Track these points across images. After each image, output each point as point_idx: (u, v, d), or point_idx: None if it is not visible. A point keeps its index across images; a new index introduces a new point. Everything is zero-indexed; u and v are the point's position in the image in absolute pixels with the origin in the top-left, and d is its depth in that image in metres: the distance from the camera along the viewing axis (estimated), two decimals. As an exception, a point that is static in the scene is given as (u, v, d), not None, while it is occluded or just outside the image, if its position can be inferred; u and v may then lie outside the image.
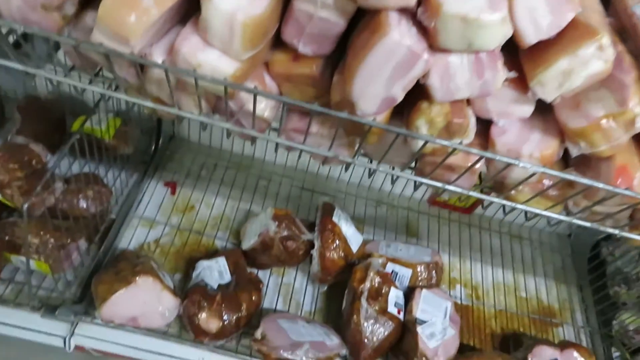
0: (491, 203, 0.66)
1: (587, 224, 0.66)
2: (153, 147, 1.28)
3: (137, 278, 0.93)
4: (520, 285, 1.32)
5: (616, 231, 0.65)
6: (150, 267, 0.98)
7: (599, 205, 0.62)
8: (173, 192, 1.27)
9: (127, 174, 1.22)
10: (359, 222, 1.31)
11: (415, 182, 0.67)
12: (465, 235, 1.38)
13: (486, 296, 1.28)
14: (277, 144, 0.64)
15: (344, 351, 1.02)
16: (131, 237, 1.16)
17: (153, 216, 1.20)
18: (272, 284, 1.16)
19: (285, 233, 1.07)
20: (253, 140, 0.64)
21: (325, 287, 1.19)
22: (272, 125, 0.64)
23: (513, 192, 0.64)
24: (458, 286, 1.28)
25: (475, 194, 0.65)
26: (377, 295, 1.04)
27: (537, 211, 0.65)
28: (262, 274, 1.17)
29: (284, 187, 1.34)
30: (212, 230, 1.22)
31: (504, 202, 0.65)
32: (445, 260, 1.31)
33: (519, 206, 0.65)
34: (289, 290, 1.17)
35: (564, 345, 1.09)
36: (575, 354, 1.07)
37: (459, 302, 1.25)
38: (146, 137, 1.28)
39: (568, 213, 0.67)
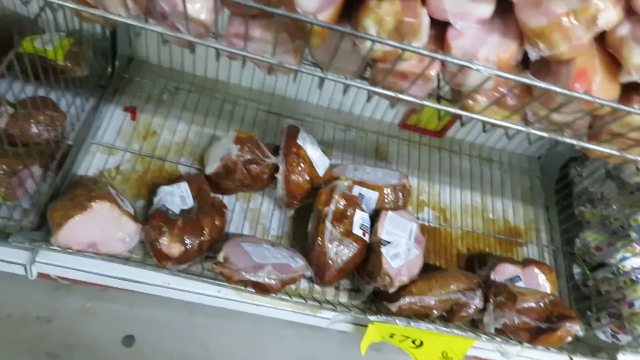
0: (462, 124, 0.64)
1: (545, 134, 0.64)
2: (110, 70, 1.21)
3: (93, 203, 0.91)
4: (487, 207, 1.33)
5: (574, 141, 0.64)
6: (107, 193, 0.95)
7: (557, 114, 0.60)
8: (133, 118, 1.22)
9: (83, 98, 1.16)
10: (327, 147, 1.29)
11: (390, 103, 0.64)
12: (435, 159, 1.37)
13: (454, 218, 1.29)
14: (217, 52, 0.60)
15: (308, 272, 1.02)
16: (90, 164, 1.12)
17: (112, 142, 1.16)
18: (238, 210, 1.15)
19: (248, 157, 1.05)
20: (192, 48, 0.59)
21: (292, 212, 1.18)
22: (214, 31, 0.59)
23: (470, 102, 0.62)
24: (426, 209, 1.29)
25: (430, 104, 0.62)
26: (342, 217, 1.04)
27: (494, 121, 0.63)
28: (228, 200, 1.15)
29: (250, 111, 1.30)
30: (175, 156, 1.18)
31: (460, 112, 0.62)
32: (414, 183, 1.31)
33: (476, 116, 0.62)
34: (255, 215, 1.15)
35: (525, 263, 1.11)
36: (536, 270, 1.09)
37: (426, 224, 1.26)
38: (102, 59, 1.21)
39: (526, 123, 0.65)
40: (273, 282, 0.91)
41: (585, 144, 0.64)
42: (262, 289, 0.92)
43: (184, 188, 1.04)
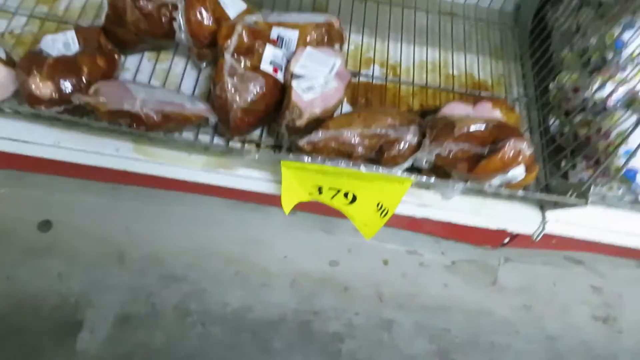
0: None
1: None
2: None
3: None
4: (448, 63, 1.15)
5: None
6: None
7: None
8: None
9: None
10: (253, 5, 1.13)
11: None
12: (384, 15, 1.20)
13: (405, 74, 1.11)
14: None
15: (211, 117, 0.88)
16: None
17: (7, 6, 1.04)
18: (145, 71, 1.02)
19: (136, -9, 0.90)
20: None
21: (208, 70, 1.03)
22: None
23: None
24: (372, 66, 1.11)
25: None
26: (248, 52, 0.89)
27: None
28: (133, 60, 1.02)
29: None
30: (77, 16, 1.05)
31: None
32: (358, 40, 1.14)
33: None
34: (165, 74, 1.02)
35: (477, 99, 0.93)
36: (490, 106, 0.91)
37: (371, 81, 1.09)
38: None
39: None
40: (151, 112, 0.77)
41: None
42: (139, 122, 0.78)
43: (70, 35, 0.91)
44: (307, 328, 1.06)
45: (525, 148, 0.76)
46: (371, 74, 1.09)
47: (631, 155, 0.82)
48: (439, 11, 1.22)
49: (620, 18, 0.89)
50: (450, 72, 1.13)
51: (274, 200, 0.93)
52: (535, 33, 1.17)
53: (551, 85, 1.04)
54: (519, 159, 0.76)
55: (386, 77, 1.09)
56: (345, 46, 1.10)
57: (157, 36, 0.96)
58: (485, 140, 0.80)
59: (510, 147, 0.75)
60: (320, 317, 1.07)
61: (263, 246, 1.13)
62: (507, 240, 1.12)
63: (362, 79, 1.08)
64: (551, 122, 1.05)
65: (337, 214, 1.00)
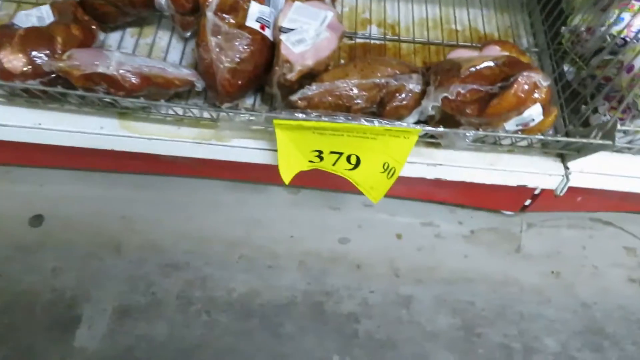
0: None
1: None
2: None
3: None
4: (450, 18, 1.08)
5: None
6: None
7: None
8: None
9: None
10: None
11: None
12: (378, -26, 1.13)
13: (405, 32, 1.04)
14: None
15: (197, 83, 0.82)
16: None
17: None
18: (127, 46, 0.96)
19: (110, -44, 0.85)
20: None
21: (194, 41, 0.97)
22: None
23: None
24: (369, 26, 1.05)
25: None
26: (233, 10, 0.82)
27: None
28: (115, 37, 0.97)
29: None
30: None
31: None
32: (351, 2, 1.07)
33: None
34: (149, 49, 0.96)
35: (485, 44, 0.86)
36: (497, 49, 0.84)
37: (369, 41, 1.02)
38: None
39: None
40: (128, 74, 0.71)
41: None
42: (117, 86, 0.72)
43: (44, 9, 0.86)
44: (320, 309, 0.98)
45: (541, 80, 0.68)
46: (368, 34, 1.02)
47: (660, 83, 0.73)
48: (436, -34, 1.15)
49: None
50: (454, 28, 1.06)
51: (274, 177, 0.86)
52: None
53: (563, 29, 0.97)
54: (534, 95, 0.69)
55: (385, 37, 1.02)
56: (339, 8, 1.04)
57: (136, 4, 0.90)
58: (495, 78, 0.72)
59: (524, 80, 0.68)
60: (333, 298, 1.00)
61: (267, 227, 1.06)
62: (528, 202, 1.04)
63: (359, 40, 1.01)
64: (566, 69, 0.97)
65: (343, 186, 0.93)
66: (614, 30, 0.84)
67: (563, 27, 0.97)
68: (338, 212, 1.09)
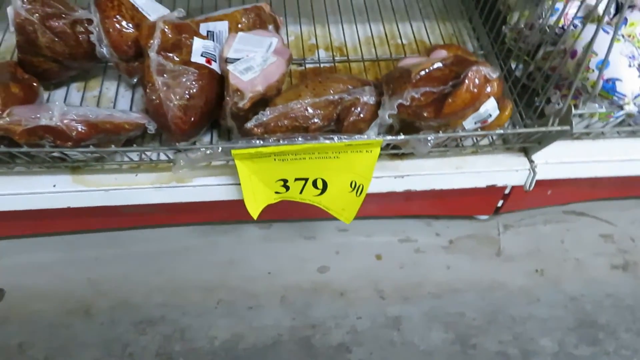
0: None
1: None
2: None
3: None
4: (394, 34, 1.09)
5: None
6: None
7: None
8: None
9: None
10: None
11: None
12: (319, 1, 1.15)
13: (353, 52, 1.05)
14: None
15: (148, 125, 0.79)
16: None
17: None
18: (74, 101, 0.94)
19: (45, 11, 0.83)
20: None
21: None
22: None
23: None
24: (317, 51, 1.05)
25: None
26: (176, 48, 0.81)
27: None
28: (60, 93, 0.94)
29: None
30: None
31: None
32: (296, 30, 1.08)
33: None
34: (96, 101, 0.94)
35: (430, 50, 0.87)
36: (444, 52, 0.84)
37: (319, 65, 1.02)
38: None
39: None
40: (73, 124, 0.68)
41: None
42: (63, 137, 0.69)
43: (-20, 73, 0.83)
44: (308, 344, 0.94)
45: (490, 72, 0.68)
46: (317, 59, 1.03)
47: (604, 63, 0.75)
48: (374, -12, 1.18)
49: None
50: (400, 42, 1.07)
51: (242, 214, 0.83)
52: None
53: (504, 28, 0.99)
54: (487, 89, 0.69)
55: (334, 59, 1.02)
56: (285, 37, 1.04)
57: (78, 57, 0.88)
58: (447, 78, 0.72)
59: (474, 75, 0.68)
60: (320, 330, 0.96)
61: (242, 267, 1.02)
62: (500, 203, 1.04)
63: (309, 65, 1.02)
64: (513, 66, 0.99)
65: (314, 214, 0.90)
66: (551, 20, 0.87)
67: (503, 27, 0.99)
68: (313, 240, 1.06)
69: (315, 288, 1.00)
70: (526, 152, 0.89)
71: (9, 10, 0.82)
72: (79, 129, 0.68)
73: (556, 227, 1.11)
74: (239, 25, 0.88)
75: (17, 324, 0.93)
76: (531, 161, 0.88)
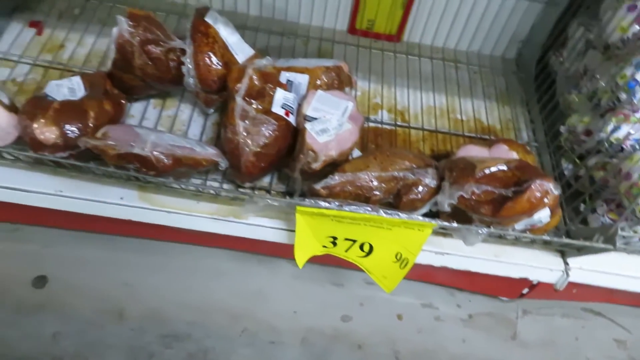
0: None
1: None
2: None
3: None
4: (455, 108, 1.14)
5: None
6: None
7: None
8: (39, 33, 1.09)
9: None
10: (259, 53, 1.12)
11: None
12: (389, 63, 1.20)
13: (414, 119, 1.10)
14: None
15: (221, 162, 0.84)
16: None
17: (11, 55, 1.03)
18: (151, 117, 0.99)
19: (146, 36, 0.89)
20: None
21: (216, 117, 1.01)
22: None
23: None
24: (380, 111, 1.10)
25: None
26: (259, 95, 0.87)
27: None
28: (139, 107, 1.00)
29: (171, 21, 1.16)
30: (81, 64, 1.04)
31: None
32: (364, 86, 1.13)
33: None
34: (171, 121, 0.99)
35: (493, 142, 0.91)
36: (506, 148, 0.89)
37: (380, 126, 1.07)
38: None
39: None
40: (161, 156, 0.74)
41: None
42: (148, 165, 0.74)
43: (75, 80, 0.89)
44: (320, 389, 0.98)
45: (552, 188, 0.73)
46: (380, 119, 1.08)
47: (658, 195, 0.79)
48: (442, 58, 1.23)
49: (631, 59, 0.89)
50: (459, 117, 1.12)
51: (280, 251, 0.88)
52: (540, 78, 1.17)
53: (562, 129, 1.03)
54: (545, 200, 0.73)
55: (395, 123, 1.07)
56: (353, 92, 1.09)
57: (164, 81, 0.94)
58: (508, 181, 0.77)
59: (537, 187, 0.72)
60: (333, 377, 1.00)
61: (270, 301, 1.07)
62: (526, 290, 1.07)
63: (371, 124, 1.07)
64: (564, 166, 1.03)
65: (346, 264, 0.95)
66: (612, 137, 0.91)
67: (562, 126, 1.04)
68: (341, 288, 1.11)
69: (336, 335, 1.05)
70: (563, 253, 0.93)
71: (114, 31, 0.88)
72: (165, 162, 0.74)
73: (573, 322, 1.14)
74: (318, 82, 0.93)
75: (53, 314, 0.98)
76: (566, 263, 0.92)
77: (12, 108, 0.84)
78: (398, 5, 1.15)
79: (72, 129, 0.79)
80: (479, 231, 0.77)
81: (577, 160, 0.99)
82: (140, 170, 0.75)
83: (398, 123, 1.08)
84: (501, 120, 1.14)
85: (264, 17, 1.21)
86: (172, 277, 1.06)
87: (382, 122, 1.07)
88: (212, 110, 0.99)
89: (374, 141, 1.04)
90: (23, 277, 1.01)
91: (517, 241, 0.92)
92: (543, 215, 0.76)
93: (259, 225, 0.89)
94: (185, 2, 1.20)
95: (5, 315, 0.96)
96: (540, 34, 1.18)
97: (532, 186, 0.72)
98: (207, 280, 1.07)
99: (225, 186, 0.90)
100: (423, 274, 1.09)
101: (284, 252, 0.87)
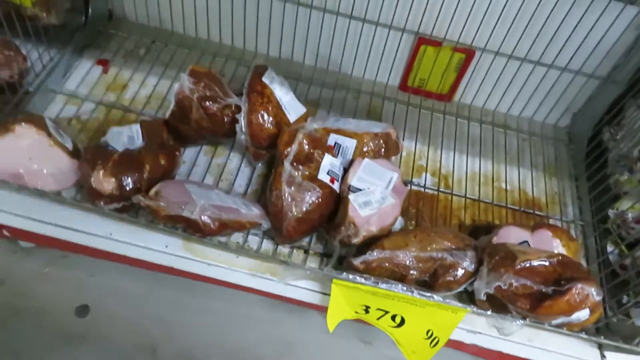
0: None
1: None
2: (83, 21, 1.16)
3: (17, 126, 0.82)
4: (500, 176, 1.13)
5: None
6: (39, 119, 0.85)
7: None
8: (105, 71, 1.15)
9: (53, 48, 1.09)
10: (311, 105, 1.15)
11: None
12: (438, 123, 1.20)
13: (457, 185, 1.10)
14: None
15: (265, 224, 0.87)
16: (50, 112, 1.04)
17: (78, 92, 1.09)
18: (201, 164, 1.03)
19: (205, 93, 0.93)
20: None
21: (263, 168, 1.04)
22: None
23: None
24: (424, 174, 1.11)
25: None
26: (307, 160, 0.89)
27: None
28: (191, 153, 1.04)
29: (230, 67, 1.20)
30: (140, 106, 1.09)
31: None
32: (411, 146, 1.14)
33: None
34: (220, 171, 1.03)
35: (536, 226, 0.91)
36: (550, 234, 0.88)
37: (422, 190, 1.07)
38: (80, 11, 1.17)
39: None
40: (208, 220, 0.77)
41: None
42: (196, 228, 0.77)
43: (135, 129, 0.94)
44: None
45: (594, 293, 0.72)
46: (423, 183, 1.08)
47: None
48: (492, 122, 1.22)
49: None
50: (503, 187, 1.11)
51: (313, 305, 0.90)
52: (592, 153, 1.15)
53: (610, 212, 1.01)
54: (585, 303, 0.72)
55: (438, 188, 1.08)
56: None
57: (218, 134, 0.98)
58: (548, 277, 0.76)
59: (577, 291, 0.71)
60: None
61: (298, 352, 1.08)
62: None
63: (414, 187, 1.07)
64: (610, 249, 1.01)
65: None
66: (664, 233, 0.88)
67: (610, 211, 1.01)
68: (369, 346, 1.11)
69: (359, 394, 1.05)
70: (601, 345, 0.91)
71: (176, 86, 0.92)
72: (212, 227, 0.77)
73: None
74: (365, 149, 0.95)
75: (93, 344, 1.03)
76: (603, 356, 0.90)
77: (74, 154, 0.89)
78: (452, 69, 1.16)
79: (127, 181, 0.83)
80: (516, 322, 0.77)
81: (625, 249, 0.97)
82: (187, 231, 0.78)
83: (441, 189, 1.08)
84: (547, 192, 1.12)
85: (318, 67, 1.24)
86: (206, 318, 1.10)
87: (425, 187, 1.07)
88: (259, 164, 1.02)
89: (415, 205, 1.04)
90: (67, 305, 1.07)
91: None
92: (582, 315, 0.75)
93: (296, 286, 0.91)
94: (243, 49, 1.24)
95: (49, 340, 1.01)
96: (596, 107, 1.16)
97: (573, 289, 0.71)
98: (238, 325, 1.10)
99: (265, 242, 0.92)
100: (453, 343, 1.08)
101: (317, 306, 0.89)
